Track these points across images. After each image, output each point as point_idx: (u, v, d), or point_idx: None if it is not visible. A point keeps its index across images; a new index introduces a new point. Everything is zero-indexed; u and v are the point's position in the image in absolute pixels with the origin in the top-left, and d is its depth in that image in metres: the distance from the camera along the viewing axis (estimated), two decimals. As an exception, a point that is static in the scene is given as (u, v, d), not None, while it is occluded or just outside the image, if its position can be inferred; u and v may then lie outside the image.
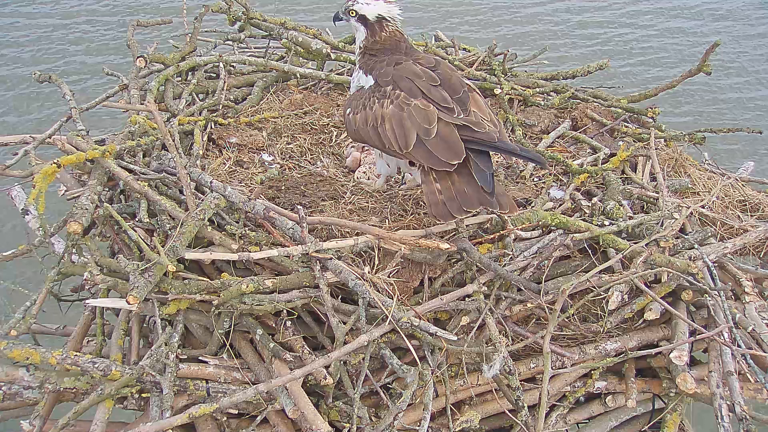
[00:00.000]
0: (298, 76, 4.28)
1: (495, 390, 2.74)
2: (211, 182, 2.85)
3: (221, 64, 4.14)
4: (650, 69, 9.98)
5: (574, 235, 2.75)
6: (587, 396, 3.01)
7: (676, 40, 10.99)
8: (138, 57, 3.93)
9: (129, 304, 2.35)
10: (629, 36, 11.13)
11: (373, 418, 2.52)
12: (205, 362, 2.61)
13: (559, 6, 11.95)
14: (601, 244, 2.81)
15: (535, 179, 3.46)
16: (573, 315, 2.74)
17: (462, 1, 11.83)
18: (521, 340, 2.70)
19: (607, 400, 2.96)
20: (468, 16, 11.40)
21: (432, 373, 2.52)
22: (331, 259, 2.55)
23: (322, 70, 4.42)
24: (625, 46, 10.78)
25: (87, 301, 2.83)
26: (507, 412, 2.69)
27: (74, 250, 2.82)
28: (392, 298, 2.51)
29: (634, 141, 3.73)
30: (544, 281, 2.63)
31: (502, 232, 2.82)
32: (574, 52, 10.28)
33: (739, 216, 3.27)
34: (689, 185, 3.43)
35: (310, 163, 3.60)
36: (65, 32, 10.83)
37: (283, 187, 3.21)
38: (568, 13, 11.63)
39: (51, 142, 3.25)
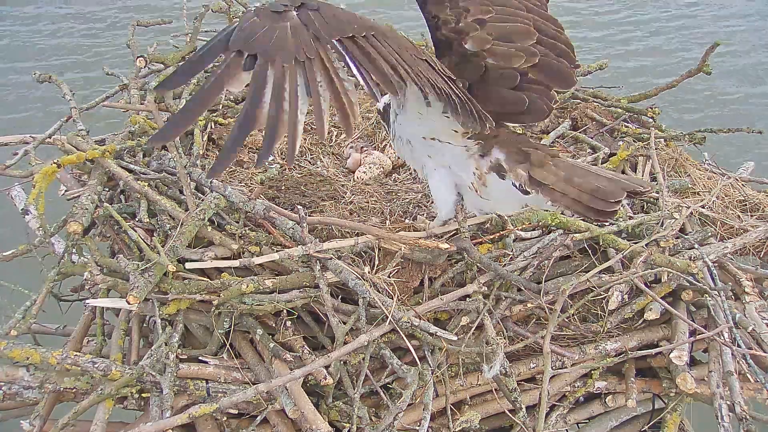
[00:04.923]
0: (298, 76, 4.27)
1: (495, 390, 2.74)
2: (211, 182, 2.85)
3: (221, 64, 4.13)
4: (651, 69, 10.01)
5: (574, 235, 2.75)
6: (587, 396, 3.00)
7: (678, 42, 11.00)
8: (138, 57, 3.93)
9: (129, 304, 2.35)
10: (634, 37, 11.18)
11: (373, 418, 2.51)
12: (205, 362, 2.61)
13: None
14: (601, 244, 2.81)
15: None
16: (573, 315, 2.73)
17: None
18: (521, 340, 2.70)
19: (607, 400, 2.96)
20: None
21: (432, 373, 2.52)
22: (331, 258, 2.55)
23: (322, 70, 4.41)
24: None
25: (87, 301, 2.82)
26: (507, 412, 2.69)
27: (74, 250, 2.82)
28: (392, 298, 2.51)
29: (634, 141, 3.73)
30: (544, 281, 2.63)
31: (502, 232, 2.82)
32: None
33: (739, 216, 3.27)
34: (689, 185, 3.43)
35: (310, 163, 3.60)
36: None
37: (283, 187, 3.21)
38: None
39: (51, 142, 3.25)
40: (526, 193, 2.33)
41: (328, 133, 3.88)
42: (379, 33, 1.80)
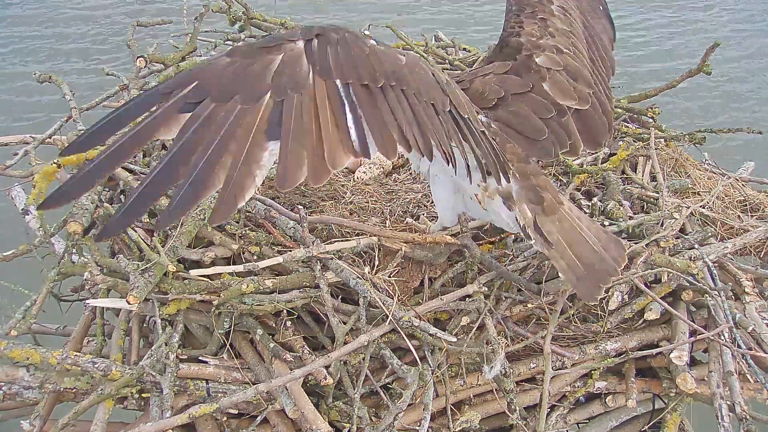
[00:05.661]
0: (298, 76, 4.26)
1: (495, 390, 2.74)
2: (211, 182, 2.84)
3: (221, 64, 4.12)
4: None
5: (574, 235, 2.75)
6: (587, 396, 3.00)
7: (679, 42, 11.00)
8: (138, 57, 3.93)
9: (129, 304, 2.35)
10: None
11: (373, 418, 2.51)
12: (205, 362, 2.61)
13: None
14: (601, 244, 2.81)
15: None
16: (573, 315, 2.74)
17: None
18: (521, 340, 2.70)
19: (607, 400, 2.96)
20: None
21: (432, 373, 2.52)
22: (332, 258, 2.55)
23: (322, 70, 4.40)
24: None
25: (87, 301, 2.82)
26: (507, 412, 2.69)
27: (74, 250, 2.82)
28: (392, 298, 2.51)
29: (634, 141, 3.73)
30: (545, 282, 2.64)
31: (502, 235, 2.81)
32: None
33: (739, 216, 3.27)
34: (689, 185, 3.43)
35: (310, 163, 3.59)
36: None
37: (283, 187, 3.20)
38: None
39: (51, 142, 3.25)
40: (528, 237, 2.30)
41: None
42: (404, 81, 1.64)
